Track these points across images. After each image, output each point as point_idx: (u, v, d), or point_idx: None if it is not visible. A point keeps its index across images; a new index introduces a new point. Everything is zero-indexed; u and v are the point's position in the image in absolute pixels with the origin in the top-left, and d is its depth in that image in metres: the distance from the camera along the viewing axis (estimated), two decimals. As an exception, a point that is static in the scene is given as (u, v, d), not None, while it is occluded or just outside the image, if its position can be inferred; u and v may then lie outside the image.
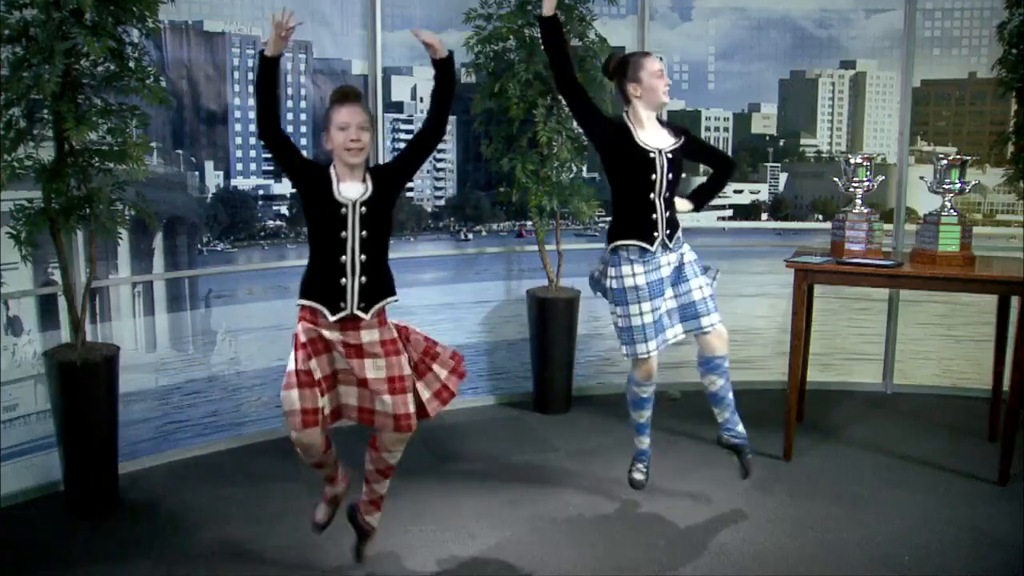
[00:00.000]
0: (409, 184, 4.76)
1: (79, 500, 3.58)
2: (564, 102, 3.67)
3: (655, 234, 3.34)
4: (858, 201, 4.17)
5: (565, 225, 4.99)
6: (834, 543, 3.37)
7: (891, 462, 4.15)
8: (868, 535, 3.43)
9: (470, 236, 5.12)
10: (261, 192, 4.54)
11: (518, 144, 4.62)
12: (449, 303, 4.99)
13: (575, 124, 4.73)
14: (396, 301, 2.89)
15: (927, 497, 3.77)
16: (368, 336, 2.80)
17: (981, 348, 4.81)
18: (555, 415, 4.78)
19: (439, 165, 5.07)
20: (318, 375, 2.77)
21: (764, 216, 5.45)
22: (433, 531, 3.43)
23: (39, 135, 3.36)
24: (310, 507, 3.17)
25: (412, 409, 2.84)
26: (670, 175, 3.34)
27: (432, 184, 5.09)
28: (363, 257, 2.78)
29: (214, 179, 4.30)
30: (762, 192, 5.47)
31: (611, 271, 3.40)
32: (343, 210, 2.76)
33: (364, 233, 2.78)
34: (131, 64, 3.38)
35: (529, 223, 4.87)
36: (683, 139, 3.41)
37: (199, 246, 4.32)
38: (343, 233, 2.76)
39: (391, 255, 2.91)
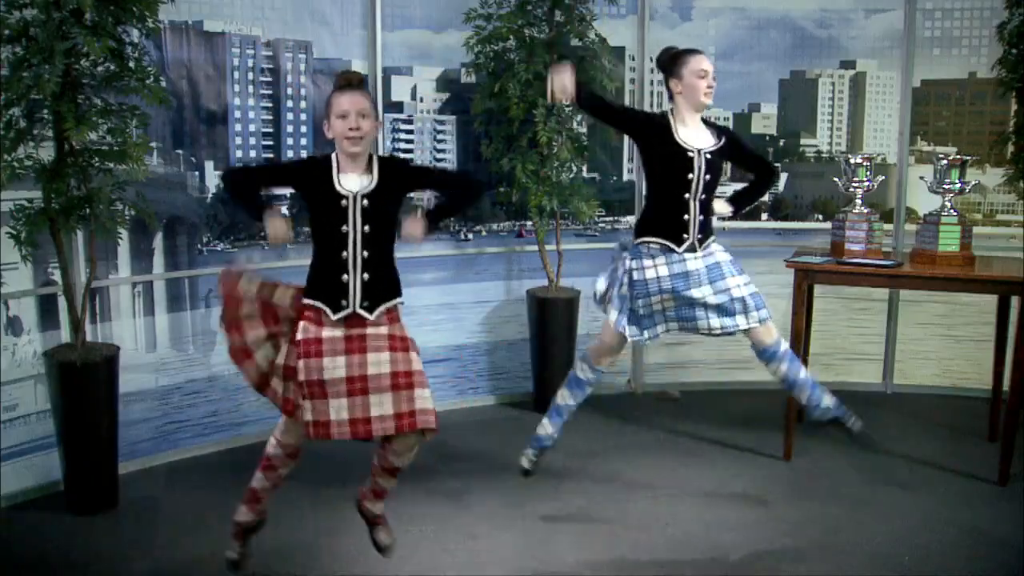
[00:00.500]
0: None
1: (79, 500, 3.58)
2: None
3: (684, 235, 3.31)
4: (858, 201, 4.17)
5: (565, 225, 4.99)
6: (834, 543, 3.37)
7: (891, 462, 4.15)
8: (868, 535, 3.42)
9: (470, 236, 5.12)
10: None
11: (518, 144, 4.63)
12: (449, 303, 4.99)
13: (575, 124, 4.75)
14: (402, 304, 2.77)
15: (927, 497, 3.77)
16: (375, 330, 2.68)
17: (981, 348, 4.80)
18: (555, 415, 4.78)
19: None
20: (302, 377, 2.64)
21: (764, 216, 5.45)
22: (433, 531, 3.42)
23: (39, 135, 3.36)
24: (309, 507, 3.16)
25: (417, 407, 2.64)
26: (707, 176, 3.29)
27: (432, 184, 5.08)
28: (365, 253, 2.65)
29: (214, 179, 4.30)
30: (762, 192, 5.47)
31: (632, 263, 3.36)
32: (343, 202, 2.64)
33: (366, 228, 2.65)
34: (131, 64, 3.38)
35: (529, 223, 4.87)
36: (724, 140, 3.36)
37: (199, 246, 4.31)
38: (344, 227, 2.65)
39: (391, 255, 2.84)
